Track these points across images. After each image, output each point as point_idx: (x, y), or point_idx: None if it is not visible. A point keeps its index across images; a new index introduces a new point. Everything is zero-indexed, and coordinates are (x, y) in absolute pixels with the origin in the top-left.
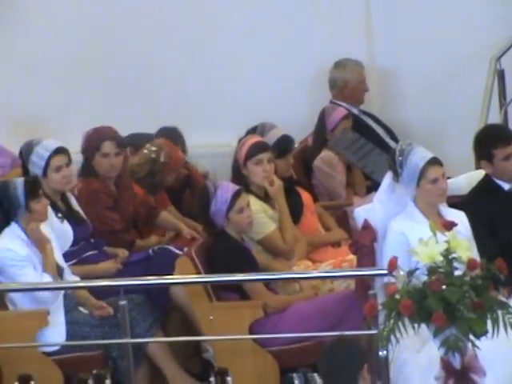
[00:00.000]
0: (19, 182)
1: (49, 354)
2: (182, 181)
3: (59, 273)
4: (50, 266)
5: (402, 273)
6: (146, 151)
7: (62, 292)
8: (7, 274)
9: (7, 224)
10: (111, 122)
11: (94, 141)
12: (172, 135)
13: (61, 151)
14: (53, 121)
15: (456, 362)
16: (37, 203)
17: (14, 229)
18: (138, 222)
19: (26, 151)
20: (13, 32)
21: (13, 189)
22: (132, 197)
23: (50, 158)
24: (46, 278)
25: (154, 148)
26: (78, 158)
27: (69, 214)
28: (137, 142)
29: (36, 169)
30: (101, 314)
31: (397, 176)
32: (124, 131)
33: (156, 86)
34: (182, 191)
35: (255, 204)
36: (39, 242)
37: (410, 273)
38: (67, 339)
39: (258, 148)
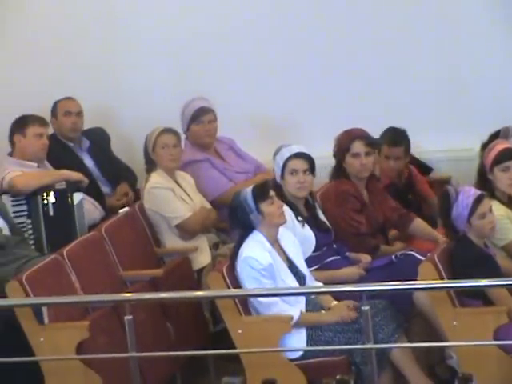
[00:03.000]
0: (248, 189)
1: (292, 359)
2: (404, 185)
3: (301, 281)
4: None
5: None
6: None
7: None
8: (243, 280)
9: (247, 232)
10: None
11: (345, 142)
12: (396, 136)
13: (300, 156)
14: (301, 128)
15: None
16: (268, 205)
17: (256, 236)
18: (387, 228)
19: (275, 152)
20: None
21: (243, 196)
22: (383, 202)
23: (287, 159)
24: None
25: None
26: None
27: (313, 221)
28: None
29: (277, 169)
30: (344, 320)
31: None
32: None
33: (398, 89)
34: (405, 195)
35: (499, 209)
36: None
37: None
38: (309, 344)
39: (507, 155)
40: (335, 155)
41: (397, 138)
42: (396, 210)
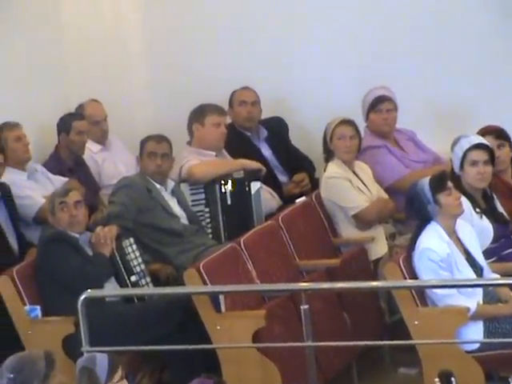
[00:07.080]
0: (425, 179)
1: (469, 351)
2: None
3: (478, 273)
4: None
5: None
6: None
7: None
8: (421, 272)
9: (425, 223)
10: None
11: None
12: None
13: (480, 147)
14: (477, 118)
15: None
16: (445, 196)
17: (433, 227)
18: None
19: (454, 143)
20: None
21: (420, 187)
22: None
23: (467, 151)
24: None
25: None
26: None
27: (490, 213)
28: None
29: (456, 160)
30: None
31: None
32: None
33: None
34: None
35: None
36: None
37: None
38: (486, 336)
39: None
40: None
41: None
42: None
